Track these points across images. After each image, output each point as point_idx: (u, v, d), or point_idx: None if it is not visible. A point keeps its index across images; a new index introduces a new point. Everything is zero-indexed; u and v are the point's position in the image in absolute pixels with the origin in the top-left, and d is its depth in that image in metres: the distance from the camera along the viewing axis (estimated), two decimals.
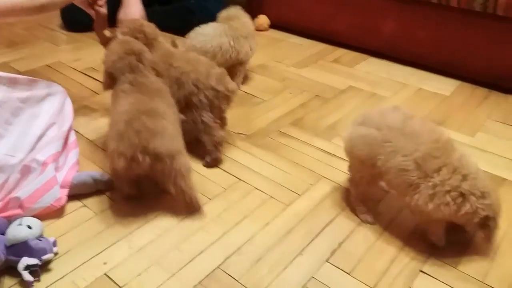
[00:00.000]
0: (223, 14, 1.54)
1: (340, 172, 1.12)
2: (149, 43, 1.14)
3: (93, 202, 1.00)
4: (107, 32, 1.28)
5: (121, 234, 0.92)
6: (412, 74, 1.65)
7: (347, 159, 1.00)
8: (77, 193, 1.00)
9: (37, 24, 2.06)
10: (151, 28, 1.19)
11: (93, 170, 1.07)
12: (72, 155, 1.08)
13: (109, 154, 0.93)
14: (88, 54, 1.77)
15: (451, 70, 1.62)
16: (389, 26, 1.71)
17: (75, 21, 1.96)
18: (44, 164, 0.97)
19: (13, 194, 0.92)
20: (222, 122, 1.19)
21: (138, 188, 1.00)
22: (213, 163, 1.14)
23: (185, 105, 1.11)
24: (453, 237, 0.90)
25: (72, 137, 1.14)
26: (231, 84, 1.14)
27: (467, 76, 1.58)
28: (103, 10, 1.27)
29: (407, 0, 1.61)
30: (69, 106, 1.19)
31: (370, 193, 1.01)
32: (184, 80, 1.11)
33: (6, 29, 2.01)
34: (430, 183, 0.82)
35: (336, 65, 1.74)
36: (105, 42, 1.25)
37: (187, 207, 0.96)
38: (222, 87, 1.11)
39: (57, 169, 1.00)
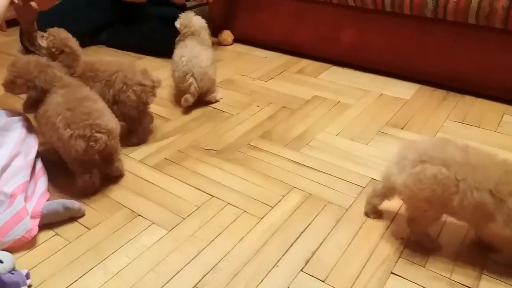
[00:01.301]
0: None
1: (310, 181, 1.15)
2: (73, 54, 1.25)
3: (65, 230, 0.99)
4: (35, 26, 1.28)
5: (96, 260, 0.92)
6: (373, 81, 1.71)
7: (316, 168, 1.03)
8: (48, 222, 0.99)
9: None
10: (73, 41, 1.27)
11: (63, 198, 1.06)
12: (41, 183, 1.06)
13: (66, 142, 1.02)
14: None
15: (410, 75, 1.69)
16: (348, 35, 1.77)
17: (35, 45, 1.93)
18: (12, 196, 0.96)
19: None
20: (148, 115, 1.33)
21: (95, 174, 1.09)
22: (140, 143, 1.31)
23: (114, 103, 1.24)
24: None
25: (39, 164, 1.13)
26: (155, 77, 1.28)
27: (425, 80, 1.66)
28: (36, 6, 1.25)
29: (363, 9, 1.68)
30: (33, 133, 1.17)
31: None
32: (113, 79, 1.23)
33: None
34: (504, 209, 0.81)
35: (301, 75, 1.78)
36: (32, 35, 1.26)
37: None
38: (148, 81, 1.25)
39: (26, 199, 0.99)
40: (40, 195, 1.03)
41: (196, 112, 1.51)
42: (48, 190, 1.08)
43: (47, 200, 1.03)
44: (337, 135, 1.36)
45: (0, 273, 0.80)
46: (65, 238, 0.97)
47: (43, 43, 1.24)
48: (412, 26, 1.62)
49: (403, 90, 1.63)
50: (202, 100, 1.54)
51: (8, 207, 0.94)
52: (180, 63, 1.48)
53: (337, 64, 1.85)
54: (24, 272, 0.85)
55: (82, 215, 1.03)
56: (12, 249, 0.90)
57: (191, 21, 1.58)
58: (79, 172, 1.08)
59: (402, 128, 1.39)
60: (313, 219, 1.02)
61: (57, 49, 1.24)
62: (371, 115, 1.47)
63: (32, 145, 1.14)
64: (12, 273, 0.82)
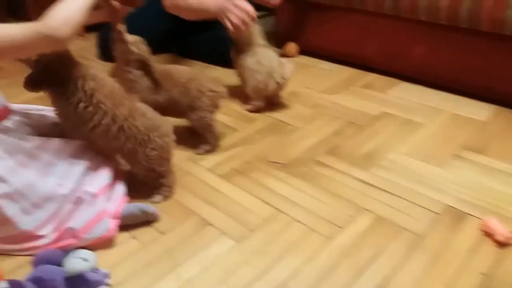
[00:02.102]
0: None
1: (380, 203, 1.12)
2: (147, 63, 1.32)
3: (141, 233, 1.03)
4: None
5: (169, 266, 0.94)
6: (445, 99, 1.64)
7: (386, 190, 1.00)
8: (126, 223, 1.03)
9: (74, 55, 2.14)
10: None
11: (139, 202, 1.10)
12: (120, 187, 1.11)
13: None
14: None
15: (486, 95, 1.61)
16: (419, 50, 1.72)
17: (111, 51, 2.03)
18: (95, 196, 1.01)
19: (67, 225, 0.96)
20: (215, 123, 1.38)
21: None
22: (209, 151, 1.36)
23: (189, 109, 1.30)
24: None
25: (118, 169, 1.18)
26: (222, 86, 1.36)
27: (503, 100, 1.57)
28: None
29: (436, 24, 1.62)
30: None
31: None
32: (189, 87, 1.29)
33: None
34: None
35: (368, 90, 1.75)
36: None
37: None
38: (219, 87, 1.33)
39: (107, 200, 1.04)
40: (119, 198, 1.08)
41: (260, 124, 1.52)
42: (126, 195, 1.12)
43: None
44: (408, 155, 1.32)
45: (85, 271, 0.84)
46: (140, 241, 1.01)
47: (135, 49, 1.32)
48: (489, 43, 1.54)
49: (479, 110, 1.55)
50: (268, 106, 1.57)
51: (91, 206, 1.00)
52: (260, 66, 1.51)
53: (406, 80, 1.80)
54: (105, 271, 0.89)
55: (156, 220, 1.07)
56: (92, 246, 0.96)
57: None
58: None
59: (480, 153, 1.32)
60: (384, 245, 1.00)
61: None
62: (444, 136, 1.41)
63: None
64: (95, 272, 0.86)
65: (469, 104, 1.60)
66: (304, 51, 2.09)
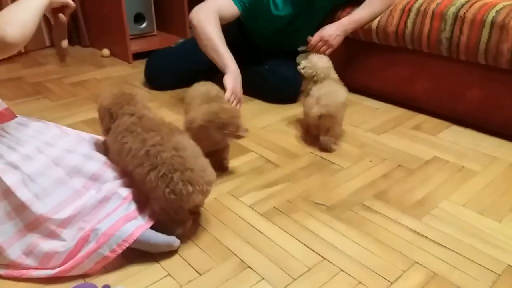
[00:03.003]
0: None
1: (434, 258, 1.03)
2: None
3: (176, 271, 0.99)
4: (64, 43, 1.22)
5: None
6: (500, 146, 1.55)
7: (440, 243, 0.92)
8: (142, 249, 1.01)
9: (122, 81, 2.20)
10: None
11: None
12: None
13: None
14: (171, 113, 1.84)
15: None
16: (473, 93, 1.64)
17: (159, 82, 2.07)
18: (125, 198, 1.03)
19: (94, 225, 0.97)
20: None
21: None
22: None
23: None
24: None
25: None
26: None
27: None
28: (65, 19, 1.19)
29: (494, 68, 1.54)
30: None
31: None
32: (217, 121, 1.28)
33: (94, 85, 2.15)
34: None
35: (417, 132, 1.67)
36: (61, 53, 1.23)
37: None
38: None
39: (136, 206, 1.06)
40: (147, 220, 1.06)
41: (304, 161, 1.47)
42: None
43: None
44: (463, 206, 1.23)
45: None
46: (177, 280, 0.97)
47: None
48: None
49: None
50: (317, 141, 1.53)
51: (121, 205, 1.01)
52: (316, 98, 1.49)
53: (458, 124, 1.71)
54: None
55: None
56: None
57: (316, 64, 1.57)
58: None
59: None
60: None
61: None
62: (502, 187, 1.31)
63: None
64: None
65: None
66: (349, 87, 2.03)
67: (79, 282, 0.94)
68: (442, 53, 1.65)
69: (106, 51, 2.59)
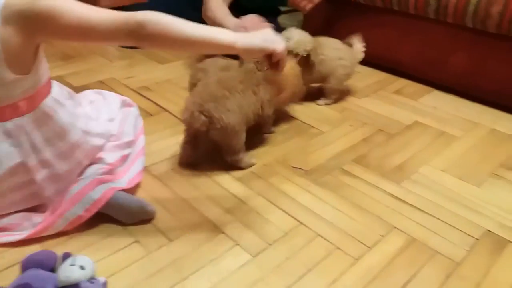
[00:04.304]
0: None
1: (413, 223, 1.01)
2: None
3: (145, 237, 0.94)
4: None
5: (175, 279, 0.85)
6: (483, 113, 1.52)
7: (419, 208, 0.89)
8: (115, 217, 0.95)
9: None
10: None
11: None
12: (139, 163, 1.11)
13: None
14: (142, 72, 1.74)
15: None
16: (459, 58, 1.59)
17: None
18: (109, 165, 1.03)
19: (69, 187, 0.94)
20: None
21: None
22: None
23: None
24: None
25: (141, 143, 1.19)
26: None
27: None
28: None
29: (483, 32, 1.49)
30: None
31: None
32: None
33: (61, 43, 2.01)
34: None
35: (399, 96, 1.63)
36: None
37: None
38: None
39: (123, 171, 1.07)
40: (135, 175, 1.06)
41: (283, 124, 1.42)
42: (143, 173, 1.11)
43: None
44: (443, 171, 1.20)
45: (80, 281, 0.75)
46: (145, 247, 0.91)
47: None
48: None
49: None
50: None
51: (102, 169, 1.01)
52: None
53: (440, 89, 1.68)
54: (102, 280, 0.80)
55: (152, 218, 0.99)
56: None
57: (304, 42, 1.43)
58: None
59: None
60: (418, 271, 0.88)
61: None
62: (482, 152, 1.29)
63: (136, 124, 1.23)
64: (92, 282, 0.77)
65: (508, 120, 1.48)
66: None
67: (37, 249, 0.88)
68: (429, 15, 1.59)
69: None
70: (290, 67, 1.28)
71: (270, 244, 0.94)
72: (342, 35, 1.95)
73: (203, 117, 1.08)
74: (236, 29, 1.48)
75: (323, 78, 1.51)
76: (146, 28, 0.79)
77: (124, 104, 1.28)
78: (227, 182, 1.12)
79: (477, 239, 0.97)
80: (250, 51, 0.89)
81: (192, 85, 1.34)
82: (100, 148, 1.05)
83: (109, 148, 1.07)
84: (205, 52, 1.28)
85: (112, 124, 1.15)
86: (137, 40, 0.81)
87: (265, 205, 1.05)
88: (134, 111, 1.27)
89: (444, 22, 1.56)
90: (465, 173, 1.19)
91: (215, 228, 0.97)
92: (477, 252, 0.93)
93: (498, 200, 1.09)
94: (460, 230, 0.99)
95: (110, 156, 1.04)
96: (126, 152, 1.11)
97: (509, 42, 1.44)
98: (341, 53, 1.51)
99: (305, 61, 1.42)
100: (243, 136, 1.15)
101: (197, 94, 1.12)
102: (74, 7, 0.79)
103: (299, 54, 1.39)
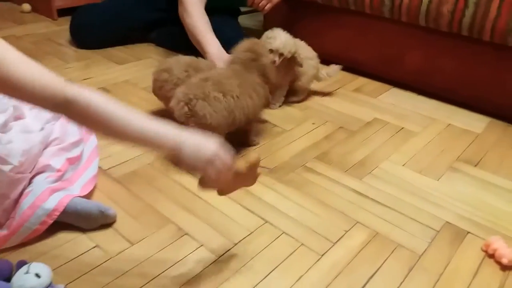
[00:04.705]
0: None
1: (376, 217, 1.03)
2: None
3: (105, 242, 0.90)
4: None
5: (138, 283, 0.82)
6: (439, 108, 1.57)
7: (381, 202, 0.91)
8: (75, 220, 0.91)
9: (45, 39, 1.98)
10: None
11: (102, 203, 0.96)
12: (93, 167, 1.05)
13: None
14: (99, 73, 1.69)
15: (481, 106, 1.54)
16: (414, 56, 1.64)
17: (86, 40, 1.88)
18: (58, 171, 0.96)
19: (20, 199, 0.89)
20: None
21: None
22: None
23: None
24: None
25: (93, 144, 1.14)
26: None
27: (497, 113, 1.51)
28: None
29: (435, 31, 1.55)
30: None
31: None
32: None
33: (13, 43, 1.92)
34: None
35: (358, 94, 1.66)
36: None
37: None
38: None
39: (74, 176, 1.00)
40: (88, 181, 1.01)
41: None
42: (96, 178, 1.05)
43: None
44: (403, 165, 1.23)
45: None
46: (105, 251, 0.88)
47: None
48: (489, 54, 1.48)
49: (473, 122, 1.49)
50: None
51: (52, 177, 0.94)
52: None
53: (398, 86, 1.72)
54: None
55: (114, 221, 0.95)
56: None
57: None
58: None
59: (475, 166, 1.25)
60: (382, 264, 0.90)
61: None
62: (440, 146, 1.34)
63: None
64: None
65: (464, 115, 1.53)
66: None
67: None
68: (384, 15, 1.63)
69: (26, 6, 2.32)
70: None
71: (235, 244, 0.93)
72: (301, 35, 1.97)
73: (186, 109, 1.08)
74: (218, 55, 1.46)
75: (296, 78, 1.52)
76: (73, 108, 0.67)
77: None
78: (189, 183, 1.10)
79: (437, 231, 1.00)
80: (193, 166, 0.74)
81: (158, 88, 1.30)
82: (38, 154, 0.95)
83: (54, 153, 0.98)
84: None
85: (51, 126, 1.03)
86: (65, 116, 0.69)
87: (230, 204, 1.04)
88: None
89: (399, 21, 1.61)
90: (424, 167, 1.23)
91: (179, 230, 0.95)
92: (438, 243, 0.96)
93: (456, 193, 1.13)
94: (421, 223, 1.02)
95: (56, 162, 0.97)
96: (74, 154, 1.03)
97: (460, 40, 1.50)
98: (310, 54, 1.54)
99: (288, 62, 1.42)
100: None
101: (192, 86, 1.11)
102: (8, 55, 0.65)
103: (283, 55, 1.38)
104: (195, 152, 0.72)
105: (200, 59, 1.35)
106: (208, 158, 0.72)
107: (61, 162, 0.98)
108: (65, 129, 1.06)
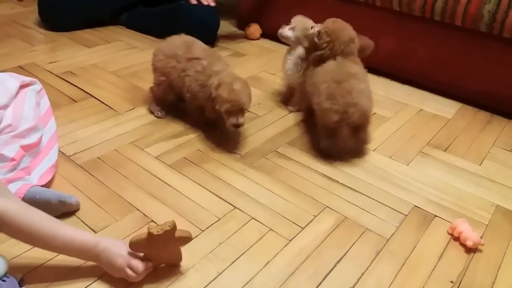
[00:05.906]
0: None
1: (345, 202, 1.02)
2: None
3: None
4: None
5: (99, 272, 0.79)
6: (411, 94, 1.58)
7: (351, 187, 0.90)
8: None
9: (10, 21, 1.90)
10: None
11: (65, 190, 0.94)
12: (52, 155, 1.00)
13: (323, 110, 1.13)
14: (66, 56, 1.63)
15: (452, 91, 1.56)
16: (388, 41, 1.64)
17: (56, 23, 1.81)
18: (12, 160, 0.91)
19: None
20: None
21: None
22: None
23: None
24: None
25: (52, 129, 1.07)
26: None
27: (468, 98, 1.52)
28: None
29: (408, 15, 1.54)
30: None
31: None
32: None
33: None
34: None
35: None
36: None
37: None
38: None
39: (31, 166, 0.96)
40: (47, 170, 0.97)
41: None
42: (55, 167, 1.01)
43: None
44: (374, 150, 1.23)
45: None
46: None
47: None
48: (461, 39, 1.48)
49: (444, 107, 1.50)
50: None
51: (4, 168, 0.89)
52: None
53: (371, 72, 1.70)
54: (18, 277, 0.73)
55: (77, 209, 0.92)
56: None
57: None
58: (324, 136, 1.18)
59: (445, 150, 1.26)
60: (350, 248, 0.90)
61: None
62: (410, 132, 1.34)
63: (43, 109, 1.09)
64: (4, 280, 0.70)
65: (435, 100, 1.54)
66: (266, 34, 1.96)
67: None
68: None
69: None
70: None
71: (202, 230, 0.91)
72: (274, 21, 1.94)
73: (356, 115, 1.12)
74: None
75: None
76: None
77: (22, 85, 1.05)
78: (157, 169, 1.08)
79: (405, 215, 1.00)
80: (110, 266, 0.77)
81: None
82: None
83: (6, 141, 0.93)
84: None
85: (1, 112, 0.96)
86: None
87: (199, 191, 1.02)
88: (33, 89, 1.06)
89: (373, 5, 1.60)
90: (394, 152, 1.23)
91: (144, 217, 0.93)
92: (406, 227, 0.96)
93: (425, 177, 1.13)
94: (390, 207, 1.02)
95: (9, 150, 0.92)
96: (30, 140, 0.97)
97: (433, 24, 1.50)
98: None
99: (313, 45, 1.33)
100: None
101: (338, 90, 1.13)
102: None
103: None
104: (110, 259, 0.76)
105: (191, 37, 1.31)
106: (120, 266, 0.76)
107: (15, 151, 0.92)
108: (19, 114, 0.99)
